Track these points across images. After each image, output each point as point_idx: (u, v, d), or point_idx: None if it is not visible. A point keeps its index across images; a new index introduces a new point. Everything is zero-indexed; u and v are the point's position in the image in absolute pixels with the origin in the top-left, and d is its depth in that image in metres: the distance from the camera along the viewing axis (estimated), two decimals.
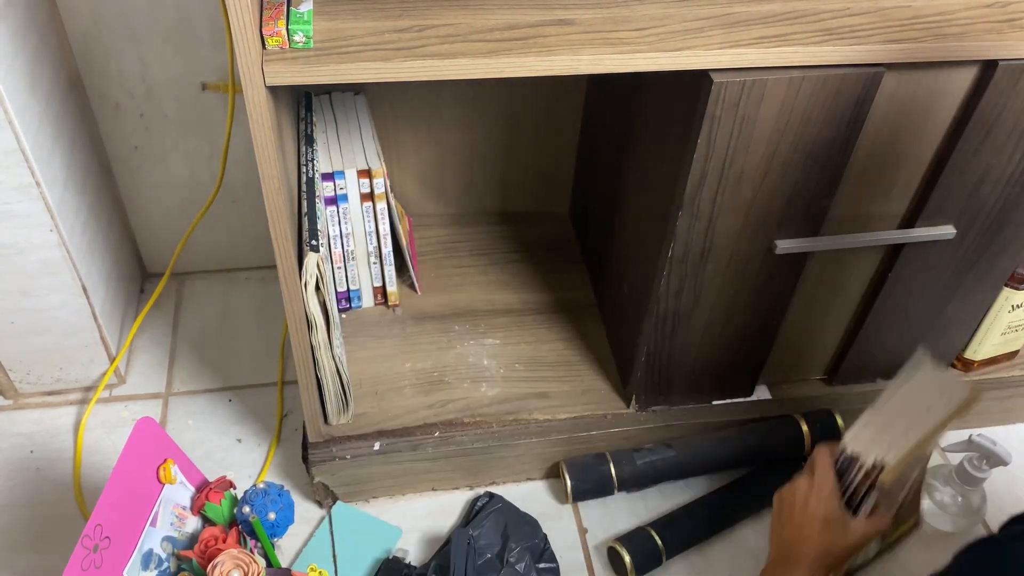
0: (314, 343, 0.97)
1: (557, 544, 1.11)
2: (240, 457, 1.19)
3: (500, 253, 1.36)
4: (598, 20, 0.82)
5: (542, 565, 1.07)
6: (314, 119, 1.13)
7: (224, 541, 0.95)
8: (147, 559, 0.92)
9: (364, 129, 1.17)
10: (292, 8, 0.77)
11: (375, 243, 1.19)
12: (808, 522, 0.84)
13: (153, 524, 0.94)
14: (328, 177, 1.11)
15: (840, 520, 0.84)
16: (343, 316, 1.25)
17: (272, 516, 0.96)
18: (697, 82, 0.83)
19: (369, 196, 1.14)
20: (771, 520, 0.90)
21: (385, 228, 1.18)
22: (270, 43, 0.74)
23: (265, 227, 0.84)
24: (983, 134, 0.91)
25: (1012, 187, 0.97)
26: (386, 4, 0.82)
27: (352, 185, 1.13)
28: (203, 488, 1.01)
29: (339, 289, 1.23)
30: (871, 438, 0.85)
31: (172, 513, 0.97)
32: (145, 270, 1.41)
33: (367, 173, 1.12)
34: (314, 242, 0.94)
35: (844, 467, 0.87)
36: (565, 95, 1.28)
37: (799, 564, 0.82)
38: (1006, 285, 1.11)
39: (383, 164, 1.13)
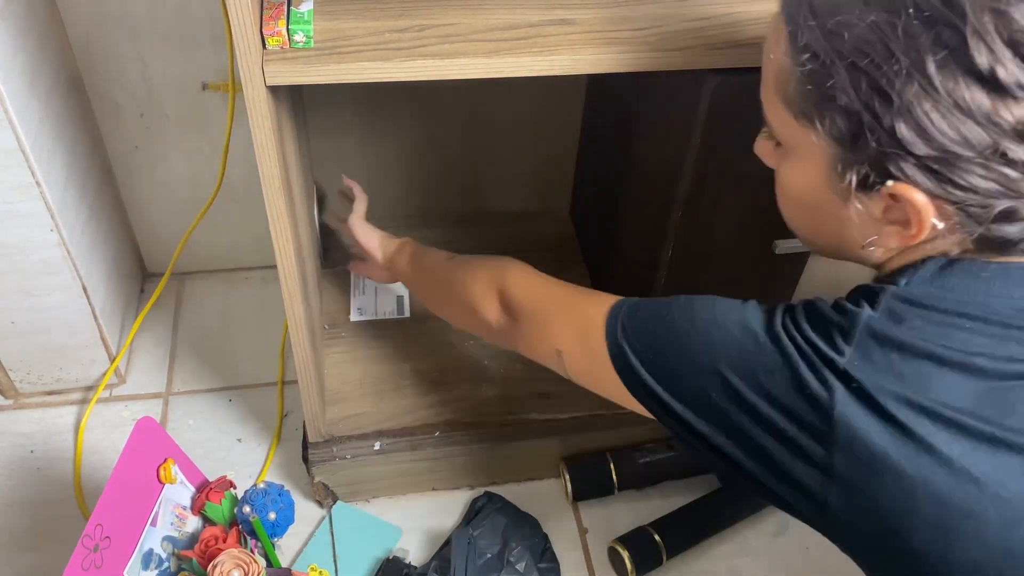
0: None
1: (558, 544, 1.11)
2: (240, 457, 1.19)
3: (500, 253, 1.35)
4: (598, 19, 0.82)
5: (543, 565, 1.07)
6: None
7: (224, 541, 0.95)
8: (147, 559, 0.92)
9: None
10: (292, 8, 0.77)
11: None
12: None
13: (153, 524, 0.94)
14: None
15: None
16: (350, 318, 1.25)
17: (272, 516, 0.96)
18: (697, 81, 0.83)
19: None
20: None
21: None
22: (270, 43, 0.74)
23: (265, 227, 0.84)
24: None
25: None
26: (386, 4, 0.82)
27: None
28: (203, 488, 1.01)
29: None
30: None
31: (172, 513, 0.97)
32: (145, 270, 1.41)
33: None
34: None
35: None
36: (565, 95, 1.28)
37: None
38: None
39: None
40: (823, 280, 1.06)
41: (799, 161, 0.64)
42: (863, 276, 0.70)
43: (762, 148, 0.71)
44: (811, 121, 0.60)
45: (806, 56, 0.58)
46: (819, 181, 0.63)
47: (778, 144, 0.67)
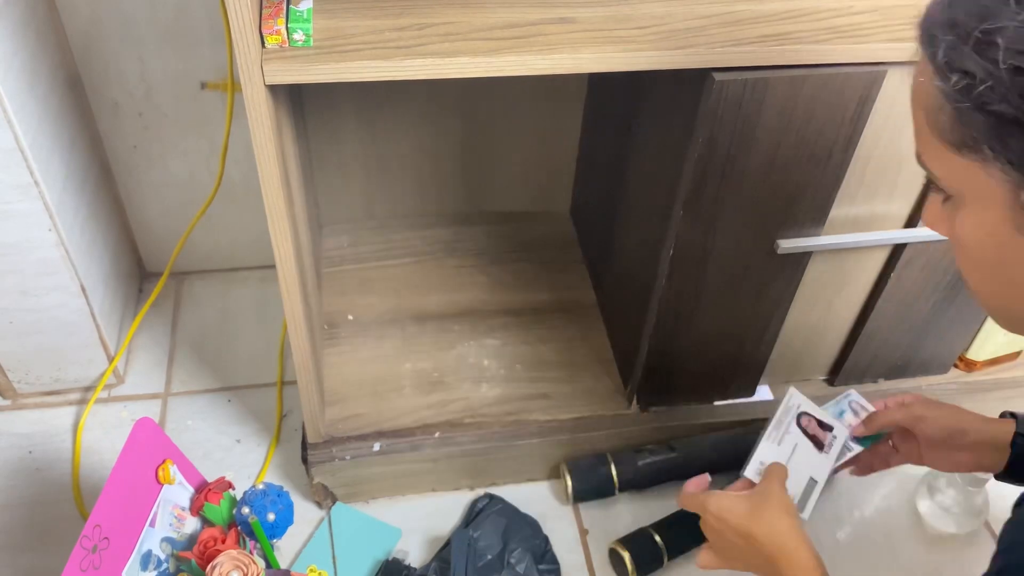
0: None
1: (558, 545, 1.10)
2: (239, 458, 1.19)
3: (500, 253, 1.36)
4: (599, 18, 0.82)
5: (543, 566, 1.07)
6: None
7: (223, 542, 0.94)
8: (146, 560, 0.92)
9: None
10: (292, 6, 0.77)
11: None
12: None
13: (152, 525, 0.93)
14: None
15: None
16: (350, 318, 1.25)
17: (271, 517, 0.96)
18: (699, 81, 0.82)
19: None
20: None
21: None
22: (269, 41, 0.74)
23: (264, 227, 0.84)
24: None
25: None
26: (386, 2, 0.82)
27: None
28: (202, 489, 1.01)
29: None
30: None
31: (171, 514, 0.96)
32: (144, 270, 1.41)
33: None
34: None
35: None
36: (566, 93, 1.28)
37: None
38: None
39: None
40: (826, 280, 1.05)
41: (972, 208, 0.56)
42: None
43: (931, 213, 0.61)
44: (976, 150, 0.52)
45: (956, 76, 0.51)
46: (1001, 224, 0.54)
47: (946, 199, 0.58)
